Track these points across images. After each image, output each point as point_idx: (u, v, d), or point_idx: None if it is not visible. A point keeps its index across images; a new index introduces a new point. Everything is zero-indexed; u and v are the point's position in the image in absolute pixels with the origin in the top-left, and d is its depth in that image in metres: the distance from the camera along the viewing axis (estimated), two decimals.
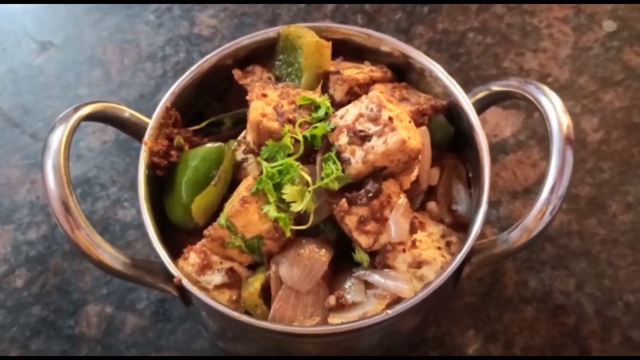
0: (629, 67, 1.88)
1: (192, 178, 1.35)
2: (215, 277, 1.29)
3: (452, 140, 1.44)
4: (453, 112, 1.42)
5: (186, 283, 1.26)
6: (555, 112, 1.29)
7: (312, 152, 1.31)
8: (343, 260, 1.31)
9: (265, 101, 1.32)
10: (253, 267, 1.32)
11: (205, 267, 1.30)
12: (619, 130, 1.79)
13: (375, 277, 1.28)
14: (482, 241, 1.33)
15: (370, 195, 1.25)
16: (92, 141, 1.82)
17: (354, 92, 1.39)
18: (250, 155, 1.36)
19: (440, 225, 1.36)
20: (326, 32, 1.46)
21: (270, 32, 1.48)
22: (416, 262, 1.28)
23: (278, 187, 1.25)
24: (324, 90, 1.41)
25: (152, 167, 1.37)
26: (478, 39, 1.95)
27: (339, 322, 1.25)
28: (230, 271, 1.30)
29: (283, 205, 1.25)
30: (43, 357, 1.58)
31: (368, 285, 1.28)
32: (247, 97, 1.35)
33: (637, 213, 1.69)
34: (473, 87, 1.44)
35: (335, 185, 1.26)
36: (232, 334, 1.40)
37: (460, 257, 1.26)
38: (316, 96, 1.35)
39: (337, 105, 1.37)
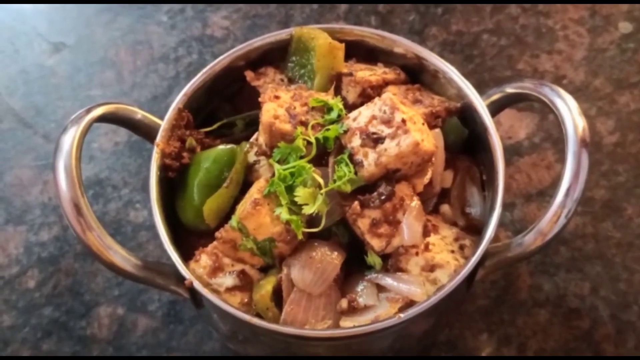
0: None
1: (204, 180, 1.34)
2: (227, 280, 1.29)
3: (465, 143, 1.43)
4: (467, 114, 1.41)
5: (197, 285, 1.25)
6: (571, 114, 1.28)
7: (324, 154, 1.30)
8: (355, 263, 1.30)
9: (278, 103, 1.32)
10: (265, 270, 1.32)
11: (216, 269, 1.29)
12: (634, 133, 1.78)
13: (387, 281, 1.27)
14: (496, 244, 1.32)
15: (382, 197, 1.25)
16: (104, 142, 1.82)
17: (367, 94, 1.39)
18: (262, 157, 1.35)
19: (453, 228, 1.35)
20: (339, 34, 1.46)
21: (282, 34, 1.47)
22: (429, 266, 1.27)
23: (290, 189, 1.25)
24: (337, 92, 1.40)
25: (164, 168, 1.37)
26: (492, 40, 1.94)
27: (351, 325, 1.24)
28: (242, 274, 1.29)
29: (295, 207, 1.24)
30: (54, 357, 1.58)
31: (380, 288, 1.28)
32: (260, 99, 1.34)
33: None
34: (487, 89, 1.43)
35: (348, 188, 1.25)
36: (243, 337, 1.40)
37: (473, 260, 1.25)
38: (329, 98, 1.35)
39: (349, 107, 1.37)
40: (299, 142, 1.27)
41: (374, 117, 1.27)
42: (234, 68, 1.46)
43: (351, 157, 1.27)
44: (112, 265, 1.28)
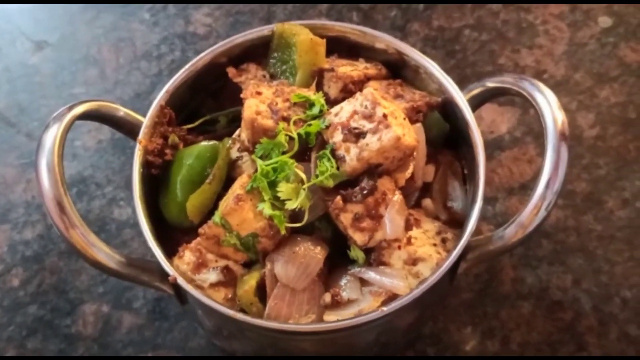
0: (624, 63, 1.88)
1: (187, 176, 1.34)
2: (211, 276, 1.29)
3: (447, 137, 1.44)
4: (448, 108, 1.41)
5: (181, 281, 1.26)
6: (550, 108, 1.29)
7: (306, 149, 1.30)
8: (338, 257, 1.31)
9: (260, 99, 1.32)
10: (248, 265, 1.32)
11: (200, 265, 1.29)
12: (614, 126, 1.79)
13: (370, 274, 1.27)
14: (478, 237, 1.33)
15: (365, 192, 1.25)
16: (87, 140, 1.82)
17: (349, 90, 1.39)
18: (244, 153, 1.35)
19: (435, 222, 1.36)
20: (321, 30, 1.46)
21: (264, 30, 1.47)
22: (412, 259, 1.28)
23: (273, 184, 1.25)
24: (319, 87, 1.41)
25: (147, 165, 1.37)
26: (473, 35, 1.95)
27: (334, 319, 1.24)
28: (226, 269, 1.29)
29: (278, 203, 1.24)
30: (40, 357, 1.57)
31: (363, 282, 1.28)
32: (242, 95, 1.35)
33: (634, 209, 1.69)
34: (469, 84, 1.44)
35: (330, 183, 1.26)
36: (228, 332, 1.40)
37: (455, 253, 1.26)
38: (311, 94, 1.35)
39: (331, 102, 1.37)
40: (281, 138, 1.28)
41: (355, 112, 1.28)
42: (216, 65, 1.47)
43: (333, 152, 1.28)
44: (96, 262, 1.28)
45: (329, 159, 1.27)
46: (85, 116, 1.34)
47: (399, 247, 1.28)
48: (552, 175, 1.25)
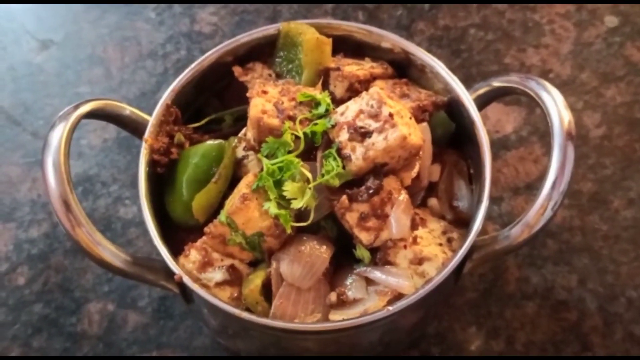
0: (630, 63, 1.88)
1: (193, 175, 1.35)
2: (216, 274, 1.29)
3: (453, 137, 1.43)
4: (454, 108, 1.41)
5: (187, 280, 1.26)
6: (557, 107, 1.28)
7: (312, 148, 1.30)
8: (344, 257, 1.31)
9: (266, 98, 1.32)
10: (254, 264, 1.32)
11: (206, 264, 1.30)
12: (620, 126, 1.79)
13: (376, 274, 1.27)
14: (484, 237, 1.32)
15: (371, 191, 1.25)
16: (93, 139, 1.82)
17: (355, 89, 1.39)
18: (250, 152, 1.36)
19: (441, 221, 1.36)
20: (327, 29, 1.46)
21: (270, 29, 1.47)
22: (417, 259, 1.28)
23: (279, 184, 1.25)
24: (325, 86, 1.41)
25: (152, 164, 1.37)
26: (479, 35, 1.94)
27: (340, 318, 1.24)
28: (231, 268, 1.29)
29: (284, 202, 1.25)
30: (45, 357, 1.58)
31: (369, 281, 1.28)
32: (248, 94, 1.35)
33: (639, 209, 1.68)
34: (474, 83, 1.44)
35: (336, 182, 1.26)
36: (233, 331, 1.40)
37: (461, 253, 1.26)
38: (317, 93, 1.35)
39: (337, 101, 1.37)
40: (287, 137, 1.28)
41: (361, 112, 1.28)
42: (222, 64, 1.47)
43: (339, 151, 1.28)
44: (101, 261, 1.28)
45: (334, 158, 1.27)
46: (91, 115, 1.34)
47: (405, 247, 1.28)
48: (558, 175, 1.25)
